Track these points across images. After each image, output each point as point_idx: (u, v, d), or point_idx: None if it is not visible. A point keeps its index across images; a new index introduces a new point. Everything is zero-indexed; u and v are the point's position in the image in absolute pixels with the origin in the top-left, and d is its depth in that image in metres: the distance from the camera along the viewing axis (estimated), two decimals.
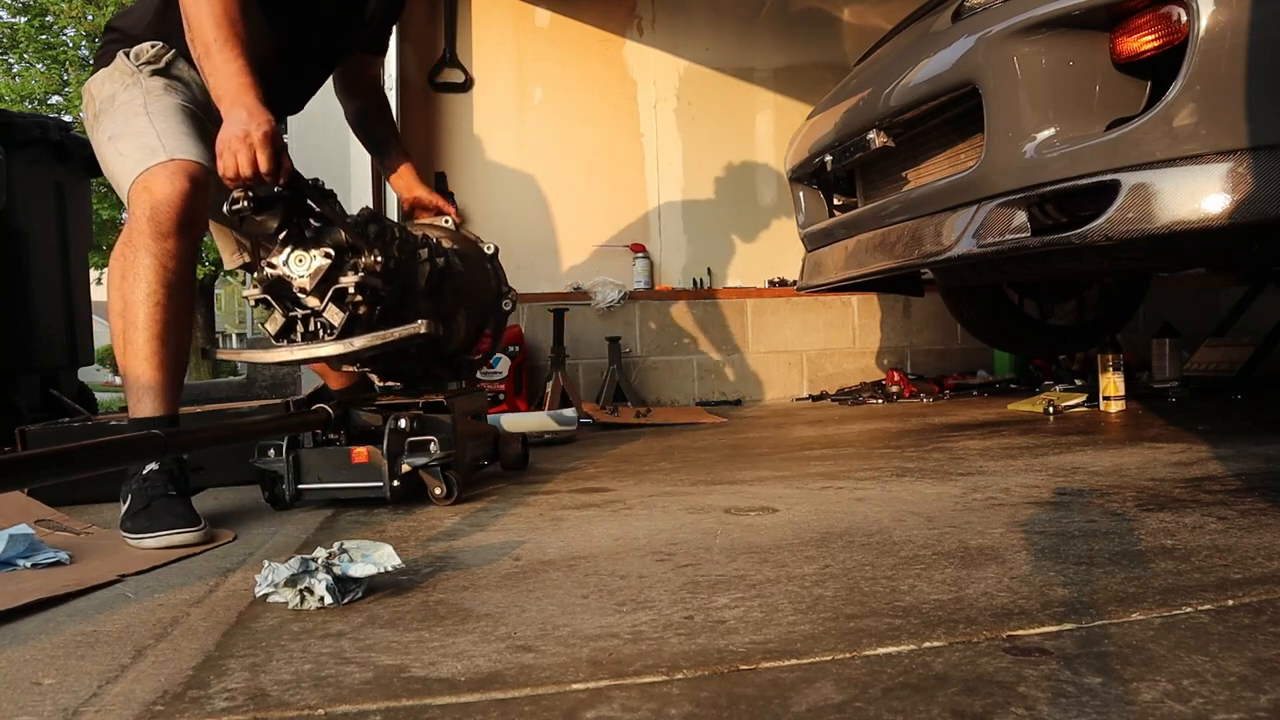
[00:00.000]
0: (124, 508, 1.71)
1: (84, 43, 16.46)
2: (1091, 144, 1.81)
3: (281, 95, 2.18)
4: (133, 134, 1.89)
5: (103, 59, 2.10)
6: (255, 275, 1.83)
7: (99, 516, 1.93)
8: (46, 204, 3.31)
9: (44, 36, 16.12)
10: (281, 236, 1.78)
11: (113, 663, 1.02)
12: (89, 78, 2.12)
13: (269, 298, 1.80)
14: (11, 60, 16.42)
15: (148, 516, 1.66)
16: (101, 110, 2.01)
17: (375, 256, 1.83)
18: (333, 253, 1.79)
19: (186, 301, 1.86)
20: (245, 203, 1.69)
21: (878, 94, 2.45)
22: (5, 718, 0.88)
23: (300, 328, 1.82)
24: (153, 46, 2.02)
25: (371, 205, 3.86)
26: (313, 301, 1.80)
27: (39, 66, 15.99)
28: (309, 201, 1.76)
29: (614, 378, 4.25)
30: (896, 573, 1.21)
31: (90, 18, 15.71)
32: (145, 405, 1.79)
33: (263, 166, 1.75)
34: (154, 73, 1.99)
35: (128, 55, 2.03)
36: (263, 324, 1.84)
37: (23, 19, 16.10)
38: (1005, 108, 1.97)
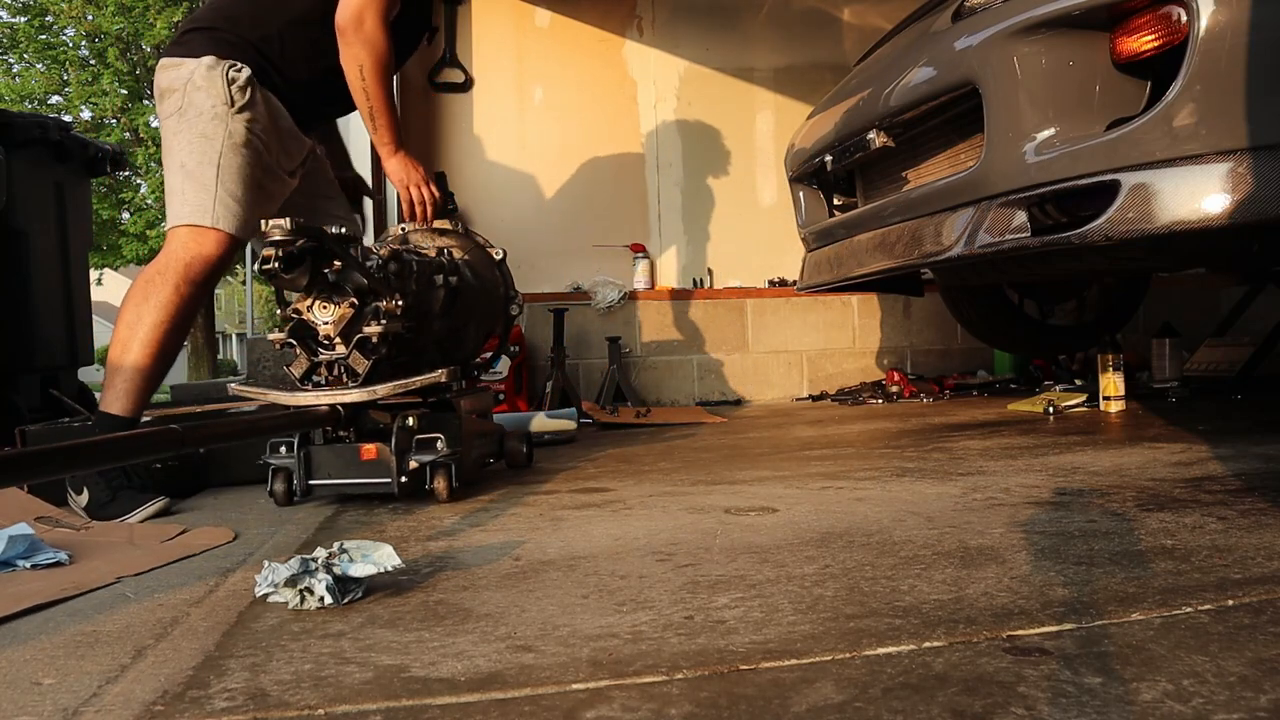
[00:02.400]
0: (84, 500, 1.95)
1: (84, 43, 16.46)
2: (1091, 144, 1.81)
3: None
4: (199, 183, 2.19)
5: (198, 46, 2.27)
6: (279, 316, 1.94)
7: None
8: (46, 204, 3.31)
9: (44, 36, 16.12)
10: (304, 284, 1.85)
11: (113, 663, 1.02)
12: (179, 55, 2.28)
13: (294, 341, 1.90)
14: (11, 60, 16.42)
15: (116, 505, 1.94)
16: (185, 113, 2.23)
17: (395, 301, 1.91)
18: (356, 302, 1.87)
19: (183, 334, 2.17)
20: (276, 263, 1.74)
21: (878, 94, 2.45)
22: (5, 718, 0.88)
23: (325, 372, 1.92)
24: (240, 70, 2.24)
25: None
26: (338, 348, 1.90)
27: (39, 66, 15.99)
28: (330, 248, 1.81)
29: (614, 378, 4.25)
30: (896, 573, 1.21)
31: (90, 18, 15.72)
32: (118, 404, 2.06)
33: (434, 205, 2.46)
34: (240, 109, 2.24)
35: (229, 75, 2.23)
36: (286, 366, 1.95)
37: (23, 19, 16.09)
38: (1005, 108, 1.97)
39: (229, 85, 2.23)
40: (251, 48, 2.30)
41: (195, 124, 2.22)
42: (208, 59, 2.25)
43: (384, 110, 2.35)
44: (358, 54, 2.29)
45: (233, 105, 2.23)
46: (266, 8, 2.35)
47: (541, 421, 3.32)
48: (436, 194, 2.46)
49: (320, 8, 2.30)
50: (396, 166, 2.43)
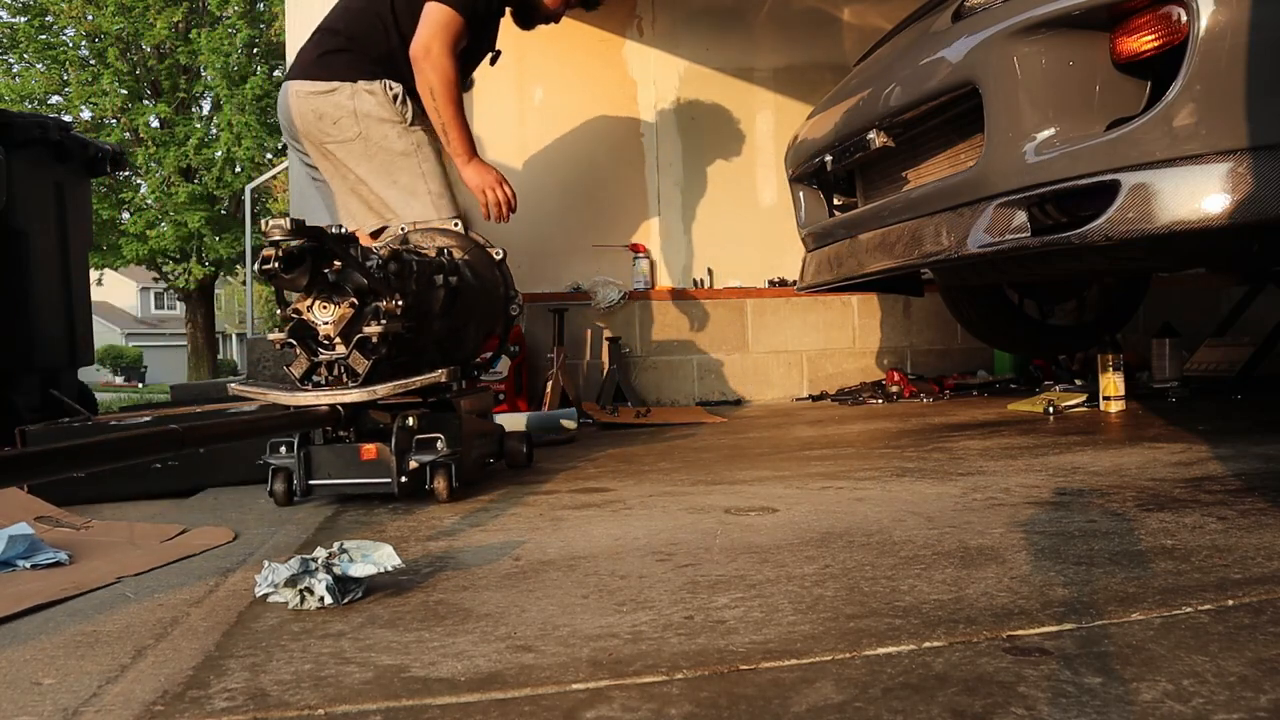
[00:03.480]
0: None
1: (84, 43, 16.46)
2: (1091, 144, 1.81)
3: None
4: (417, 198, 2.73)
5: (341, 69, 2.71)
6: (279, 316, 1.95)
7: (99, 515, 1.93)
8: (46, 204, 3.31)
9: (44, 36, 16.12)
10: (304, 284, 1.85)
11: (113, 663, 1.02)
12: (326, 78, 2.73)
13: (294, 341, 1.89)
14: (11, 60, 16.43)
15: None
16: (369, 139, 2.72)
17: (395, 301, 1.90)
18: (356, 302, 1.87)
19: None
20: (276, 263, 1.74)
21: (878, 94, 2.45)
22: (5, 718, 0.88)
23: (325, 372, 1.91)
24: (394, 85, 2.73)
25: None
26: (338, 348, 1.89)
27: (39, 66, 15.99)
28: (330, 248, 1.79)
29: (614, 378, 4.25)
30: (896, 573, 1.21)
31: (90, 18, 15.71)
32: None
33: (511, 203, 2.86)
34: (413, 121, 2.75)
35: (391, 94, 2.72)
36: (286, 366, 1.94)
37: (23, 19, 16.09)
38: (1005, 108, 1.97)
39: (395, 102, 2.71)
40: (380, 64, 2.73)
41: (391, 145, 2.71)
42: (362, 84, 2.70)
43: (455, 125, 2.72)
44: (428, 79, 2.67)
45: (407, 121, 2.73)
46: (381, 30, 2.75)
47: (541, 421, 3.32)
48: (510, 192, 2.83)
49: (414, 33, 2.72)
50: (472, 173, 2.79)
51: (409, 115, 2.73)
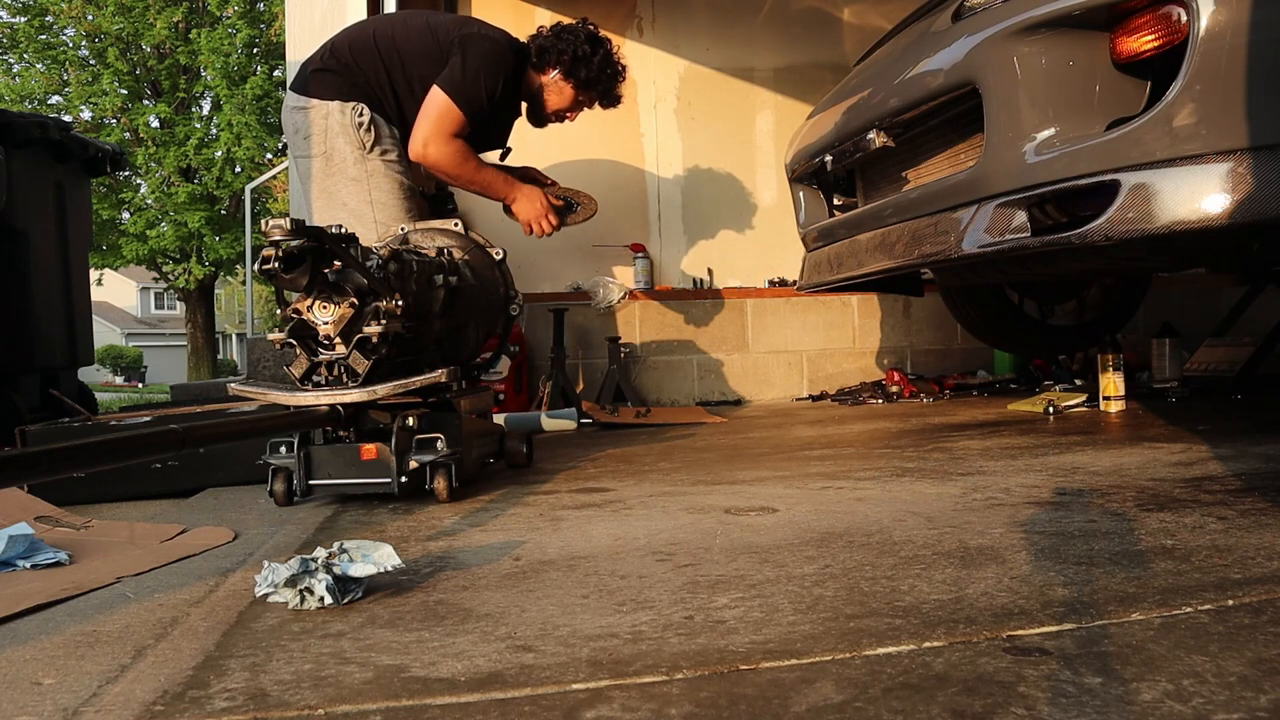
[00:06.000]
0: None
1: (84, 43, 16.47)
2: (1091, 144, 1.81)
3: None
4: (360, 219, 2.71)
5: (322, 89, 2.77)
6: (279, 316, 1.95)
7: (99, 515, 1.93)
8: (46, 204, 3.31)
9: (44, 36, 16.13)
10: (304, 284, 1.84)
11: (113, 663, 1.02)
12: (316, 99, 2.77)
13: (294, 341, 1.89)
14: (11, 60, 16.44)
15: None
16: (331, 158, 2.77)
17: (395, 301, 1.90)
18: (356, 302, 1.86)
19: None
20: (276, 263, 1.73)
21: (878, 94, 2.45)
22: (5, 718, 0.88)
23: (325, 372, 1.91)
24: (365, 119, 2.75)
25: None
26: (338, 348, 1.89)
27: (39, 66, 16.00)
28: (330, 248, 1.79)
29: (614, 378, 4.25)
30: (896, 573, 1.21)
31: (90, 18, 15.72)
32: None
33: (554, 222, 2.98)
34: (371, 148, 2.77)
35: (358, 119, 2.74)
36: (286, 366, 1.94)
37: (23, 19, 16.10)
38: (1005, 107, 1.97)
39: (358, 129, 2.73)
40: (360, 91, 2.76)
41: (345, 170, 2.75)
42: (335, 104, 2.73)
43: (482, 185, 2.88)
44: (437, 171, 2.80)
45: (365, 148, 2.75)
46: (381, 67, 2.79)
47: (540, 421, 3.32)
48: (556, 221, 2.98)
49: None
50: (522, 208, 2.94)
51: (369, 143, 2.75)
